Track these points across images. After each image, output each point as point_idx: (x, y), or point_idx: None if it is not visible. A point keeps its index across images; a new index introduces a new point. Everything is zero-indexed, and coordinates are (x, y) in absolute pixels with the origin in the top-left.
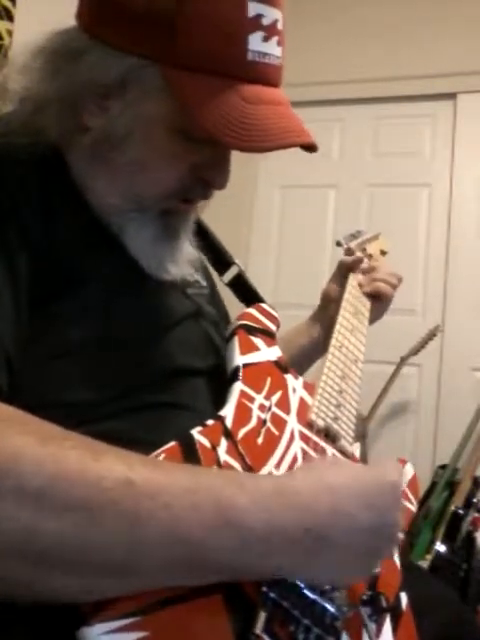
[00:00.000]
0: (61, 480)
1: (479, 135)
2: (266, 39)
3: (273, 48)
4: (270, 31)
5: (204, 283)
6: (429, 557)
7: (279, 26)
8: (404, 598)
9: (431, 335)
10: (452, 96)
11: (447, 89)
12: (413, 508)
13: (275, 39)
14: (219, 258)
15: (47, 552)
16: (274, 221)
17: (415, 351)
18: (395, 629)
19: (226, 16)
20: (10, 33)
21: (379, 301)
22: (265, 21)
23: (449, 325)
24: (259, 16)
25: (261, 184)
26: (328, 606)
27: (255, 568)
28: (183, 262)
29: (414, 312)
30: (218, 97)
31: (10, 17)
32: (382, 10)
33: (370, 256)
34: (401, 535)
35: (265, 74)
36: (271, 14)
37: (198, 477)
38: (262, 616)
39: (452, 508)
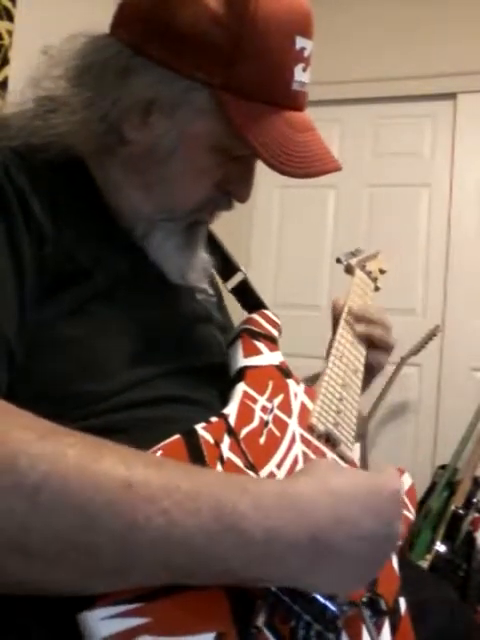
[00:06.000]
0: (56, 478)
1: (479, 135)
2: (305, 69)
3: (307, 76)
4: (307, 61)
5: (211, 291)
6: (429, 557)
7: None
8: (402, 603)
9: (431, 335)
10: (452, 96)
11: (447, 89)
12: (411, 516)
13: (308, 68)
14: (225, 264)
15: (41, 549)
16: (274, 221)
17: (415, 351)
18: (394, 634)
19: (279, 50)
20: (10, 33)
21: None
22: (306, 53)
23: (449, 325)
24: (302, 49)
25: (261, 184)
26: (328, 604)
27: (257, 575)
28: (199, 269)
29: (414, 312)
30: (268, 123)
31: (10, 17)
32: (382, 10)
33: (369, 273)
34: (400, 542)
35: (302, 101)
36: (309, 46)
37: (200, 480)
38: (263, 610)
39: (452, 508)
